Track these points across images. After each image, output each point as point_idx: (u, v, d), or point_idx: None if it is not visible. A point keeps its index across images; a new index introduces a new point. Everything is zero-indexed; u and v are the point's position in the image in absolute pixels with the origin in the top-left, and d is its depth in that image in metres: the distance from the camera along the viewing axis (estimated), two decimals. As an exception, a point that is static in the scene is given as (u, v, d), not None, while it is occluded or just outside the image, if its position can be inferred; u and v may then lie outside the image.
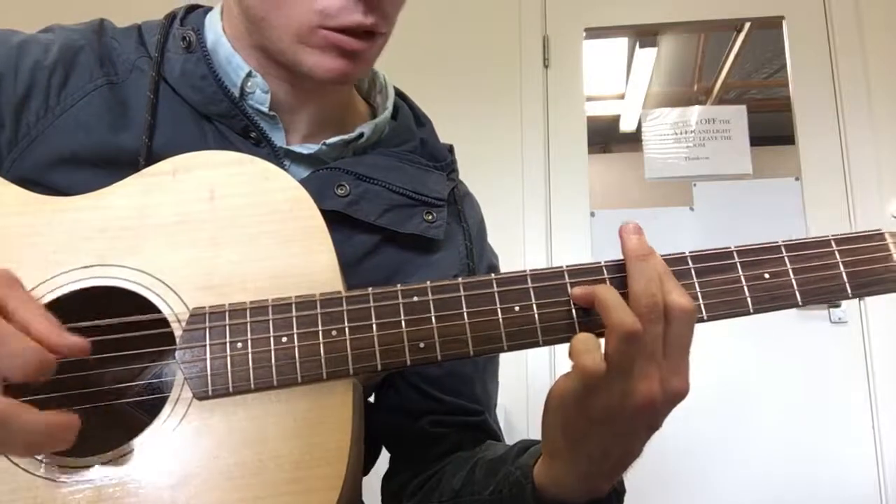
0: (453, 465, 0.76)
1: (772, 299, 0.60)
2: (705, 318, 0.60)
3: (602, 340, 0.56)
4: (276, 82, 0.75)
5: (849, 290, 0.61)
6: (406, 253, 0.77)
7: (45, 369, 0.48)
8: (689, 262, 0.61)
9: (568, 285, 0.60)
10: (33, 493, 0.54)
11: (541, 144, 2.59)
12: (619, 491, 0.66)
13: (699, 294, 0.60)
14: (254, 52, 0.74)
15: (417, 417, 0.79)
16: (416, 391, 0.79)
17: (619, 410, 0.56)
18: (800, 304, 0.60)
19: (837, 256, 0.62)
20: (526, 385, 2.36)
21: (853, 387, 2.31)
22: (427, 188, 0.79)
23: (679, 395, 0.58)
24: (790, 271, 0.61)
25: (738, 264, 0.61)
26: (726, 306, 0.60)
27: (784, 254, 0.61)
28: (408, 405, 0.79)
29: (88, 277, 0.60)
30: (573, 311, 0.59)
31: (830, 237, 0.62)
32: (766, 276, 0.61)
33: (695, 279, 0.60)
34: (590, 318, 0.59)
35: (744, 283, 0.61)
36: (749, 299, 0.60)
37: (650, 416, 0.57)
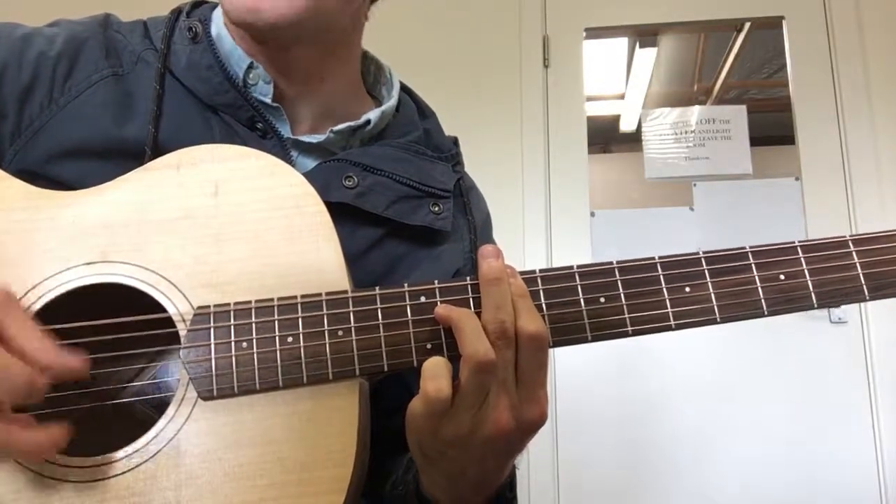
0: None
1: (787, 301, 0.60)
2: (718, 319, 0.59)
3: None
4: (269, 69, 0.74)
5: (866, 293, 0.60)
6: (410, 245, 0.76)
7: (34, 395, 0.50)
8: (703, 263, 0.60)
9: (579, 287, 0.59)
10: (37, 492, 0.54)
11: (541, 144, 2.59)
12: (509, 497, 0.67)
13: (712, 295, 0.60)
14: (244, 39, 0.74)
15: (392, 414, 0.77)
16: (401, 386, 0.78)
17: (470, 438, 0.56)
18: (815, 305, 0.59)
19: (855, 257, 0.61)
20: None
21: (853, 387, 2.31)
22: (433, 179, 0.78)
23: (535, 423, 0.58)
24: (806, 272, 0.60)
25: (752, 265, 0.60)
26: (740, 308, 0.60)
27: (800, 254, 0.61)
28: (386, 401, 0.78)
29: (92, 274, 0.59)
30: (584, 311, 0.59)
31: (848, 237, 0.61)
32: (782, 276, 0.60)
33: (708, 279, 0.60)
34: None
35: (758, 283, 0.60)
36: (763, 301, 0.60)
37: (504, 444, 0.57)
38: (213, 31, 0.76)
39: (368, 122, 0.78)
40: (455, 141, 0.88)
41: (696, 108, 2.64)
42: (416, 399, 0.57)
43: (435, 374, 0.54)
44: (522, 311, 0.56)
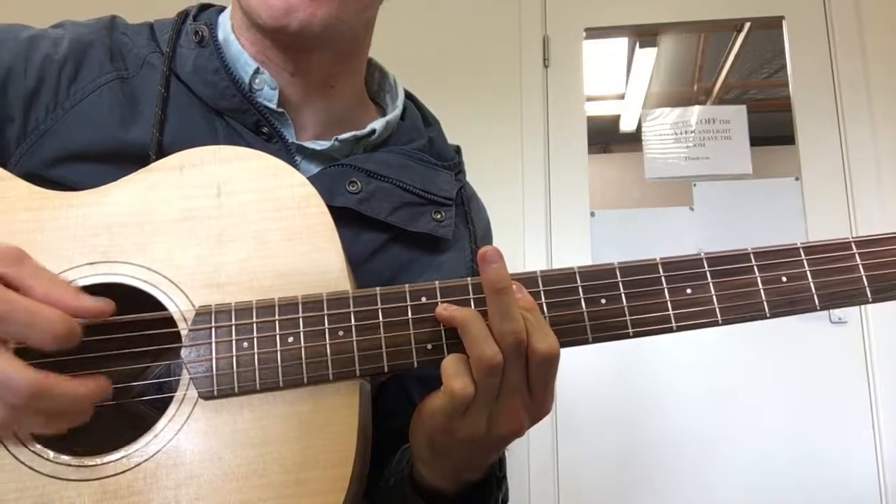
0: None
1: (789, 303, 0.59)
2: (720, 321, 0.59)
3: None
4: (280, 73, 0.75)
5: (869, 295, 0.59)
6: (413, 252, 0.76)
7: (73, 335, 0.51)
8: (705, 264, 0.60)
9: (580, 288, 0.59)
10: (39, 491, 0.54)
11: (541, 144, 2.59)
12: (499, 476, 0.68)
13: (714, 297, 0.59)
14: (256, 42, 0.74)
15: (391, 416, 0.77)
16: (399, 389, 0.78)
17: (485, 437, 0.57)
18: (818, 308, 0.59)
19: (858, 259, 0.60)
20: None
21: (853, 387, 2.30)
22: (436, 187, 0.79)
23: (543, 417, 0.60)
24: (808, 274, 0.60)
25: (754, 266, 0.60)
26: (742, 310, 0.59)
27: (803, 256, 0.60)
28: (385, 403, 0.77)
29: (94, 274, 0.59)
30: (585, 312, 0.59)
31: (851, 239, 0.61)
32: (784, 279, 0.60)
33: (710, 281, 0.60)
34: None
35: (760, 285, 0.60)
36: (765, 303, 0.59)
37: (514, 438, 0.59)
38: (220, 35, 0.76)
39: (373, 131, 0.78)
40: (458, 150, 0.88)
41: (696, 108, 2.64)
42: (437, 396, 0.57)
43: (458, 372, 0.55)
44: (534, 329, 0.56)
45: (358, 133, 0.77)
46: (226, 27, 0.77)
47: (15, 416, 0.50)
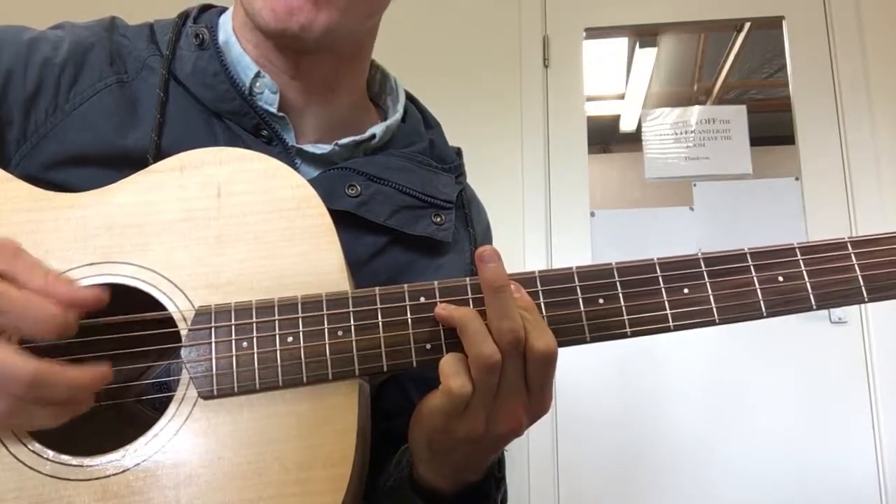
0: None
1: (785, 303, 0.60)
2: (717, 320, 0.60)
3: None
4: (280, 76, 0.75)
5: (865, 294, 0.60)
6: (413, 254, 0.76)
7: (68, 326, 0.51)
8: (702, 265, 0.60)
9: (578, 288, 0.60)
10: (38, 490, 0.54)
11: (541, 144, 2.59)
12: (498, 477, 0.68)
13: (711, 296, 0.60)
14: (258, 45, 0.74)
15: (390, 417, 0.77)
16: (398, 390, 0.78)
17: (483, 435, 0.57)
18: (814, 307, 0.59)
19: (854, 259, 0.61)
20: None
21: (853, 387, 2.31)
22: (436, 190, 0.78)
23: (541, 416, 0.60)
24: (805, 274, 0.60)
25: (751, 266, 0.60)
26: (738, 309, 0.60)
27: (799, 256, 0.61)
28: (385, 404, 0.76)
29: (95, 275, 0.59)
30: (583, 312, 0.59)
31: (847, 239, 0.61)
32: (780, 278, 0.60)
33: (706, 280, 0.60)
34: None
35: (757, 285, 0.60)
36: (762, 302, 0.60)
37: (513, 437, 0.59)
38: (221, 37, 0.76)
39: (373, 136, 0.78)
40: (458, 152, 0.88)
41: (696, 108, 2.64)
42: (435, 396, 0.57)
43: (457, 371, 0.55)
44: (532, 328, 0.56)
45: (358, 138, 0.77)
46: (227, 28, 0.77)
47: (17, 407, 0.50)
